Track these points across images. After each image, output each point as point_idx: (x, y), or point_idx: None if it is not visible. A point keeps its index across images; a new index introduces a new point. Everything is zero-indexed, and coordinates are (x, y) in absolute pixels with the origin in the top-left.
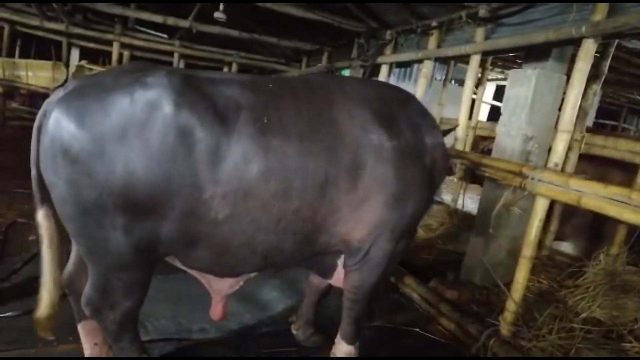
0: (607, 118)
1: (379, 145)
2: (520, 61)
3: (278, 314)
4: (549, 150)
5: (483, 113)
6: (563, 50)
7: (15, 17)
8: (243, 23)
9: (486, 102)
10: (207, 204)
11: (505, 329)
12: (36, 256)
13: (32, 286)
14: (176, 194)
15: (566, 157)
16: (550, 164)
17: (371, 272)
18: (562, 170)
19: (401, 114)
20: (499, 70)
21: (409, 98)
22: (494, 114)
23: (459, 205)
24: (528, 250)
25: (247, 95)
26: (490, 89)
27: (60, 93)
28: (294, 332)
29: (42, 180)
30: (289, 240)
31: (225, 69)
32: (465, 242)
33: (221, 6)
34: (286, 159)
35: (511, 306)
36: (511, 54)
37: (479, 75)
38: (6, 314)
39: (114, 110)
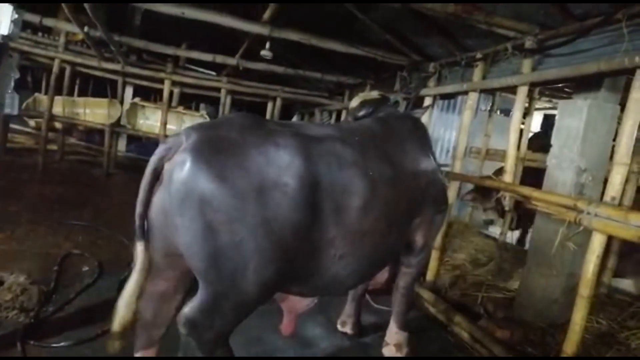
0: None
1: (426, 170)
2: (569, 90)
3: (321, 351)
4: (604, 182)
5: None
6: (616, 80)
7: (76, 59)
8: (288, 59)
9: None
10: (330, 243)
11: None
12: (89, 287)
13: (85, 317)
14: (306, 238)
15: (623, 190)
16: (607, 198)
17: (422, 265)
18: (620, 204)
19: (425, 141)
20: (547, 99)
21: (423, 126)
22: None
23: (508, 239)
24: (585, 289)
25: (349, 151)
26: (537, 118)
27: (181, 141)
28: (342, 329)
29: (144, 217)
30: (381, 262)
31: (270, 104)
32: (516, 279)
33: (267, 44)
34: (389, 202)
35: (569, 348)
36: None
37: (527, 105)
38: (60, 344)
39: (253, 167)
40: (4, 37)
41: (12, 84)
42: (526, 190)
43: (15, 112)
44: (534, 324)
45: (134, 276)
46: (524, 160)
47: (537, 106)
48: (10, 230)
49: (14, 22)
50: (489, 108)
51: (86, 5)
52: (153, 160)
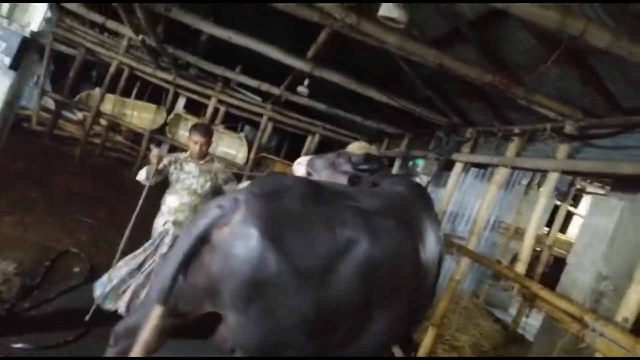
0: None
1: (442, 249)
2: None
3: None
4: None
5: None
6: None
7: (133, 63)
8: (332, 97)
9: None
10: (372, 318)
11: None
12: (72, 289)
13: (58, 320)
14: (356, 312)
15: None
16: (619, 318)
17: None
18: (634, 328)
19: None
20: (599, 185)
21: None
22: None
23: (520, 329)
24: None
25: (403, 230)
26: (587, 201)
27: (238, 207)
28: None
29: (176, 281)
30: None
31: (309, 138)
32: None
33: (305, 81)
34: (424, 283)
35: None
36: None
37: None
38: (18, 346)
39: (320, 246)
40: (32, 33)
41: (37, 78)
42: (534, 287)
43: (32, 105)
44: None
45: (143, 339)
46: (551, 248)
47: (588, 189)
48: (20, 216)
49: (46, 20)
50: (526, 183)
51: (139, 14)
52: (204, 224)
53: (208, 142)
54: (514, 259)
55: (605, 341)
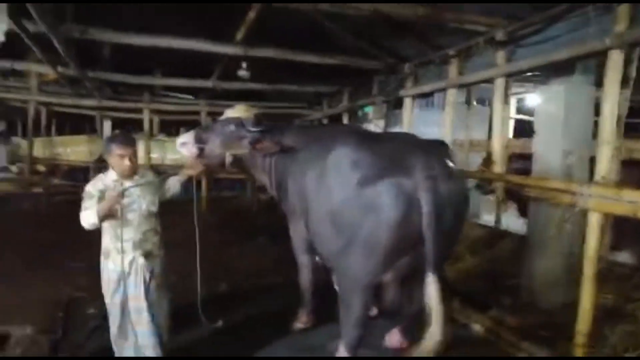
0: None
1: None
2: (538, 73)
3: None
4: (590, 161)
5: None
6: (587, 62)
7: (51, 99)
8: (264, 75)
9: (513, 118)
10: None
11: (580, 352)
12: (98, 329)
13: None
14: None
15: None
16: (598, 178)
17: None
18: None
19: None
20: (519, 84)
21: None
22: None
23: (502, 226)
24: (589, 268)
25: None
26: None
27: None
28: None
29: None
30: None
31: None
32: (516, 264)
33: (244, 64)
34: None
35: (582, 327)
36: None
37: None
38: None
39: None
40: None
41: None
42: (518, 179)
43: (3, 162)
44: (541, 307)
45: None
46: (508, 149)
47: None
48: (8, 281)
49: None
50: (463, 100)
51: (57, 44)
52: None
53: (136, 153)
54: (484, 163)
55: (595, 199)
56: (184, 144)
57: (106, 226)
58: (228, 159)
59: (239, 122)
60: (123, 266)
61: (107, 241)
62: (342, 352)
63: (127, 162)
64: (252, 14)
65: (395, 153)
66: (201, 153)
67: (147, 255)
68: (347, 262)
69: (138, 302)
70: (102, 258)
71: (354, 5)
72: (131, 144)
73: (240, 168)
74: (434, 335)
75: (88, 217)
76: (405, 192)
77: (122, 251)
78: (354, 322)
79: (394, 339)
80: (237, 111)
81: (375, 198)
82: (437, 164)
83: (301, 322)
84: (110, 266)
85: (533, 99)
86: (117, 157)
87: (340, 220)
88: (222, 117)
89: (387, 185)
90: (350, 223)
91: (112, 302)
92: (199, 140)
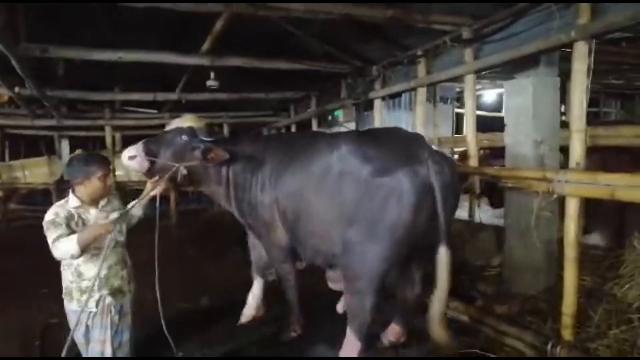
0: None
1: None
2: (498, 69)
3: None
4: (560, 150)
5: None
6: (551, 55)
7: (6, 122)
8: (230, 84)
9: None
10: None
11: (567, 334)
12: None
13: None
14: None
15: None
16: (572, 164)
17: None
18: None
19: None
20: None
21: None
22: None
23: (477, 219)
24: (571, 252)
25: None
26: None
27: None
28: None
29: None
30: None
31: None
32: (495, 255)
33: (212, 74)
34: None
35: (568, 310)
36: None
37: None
38: None
39: (416, 177)
40: None
41: None
42: (494, 171)
43: None
44: (525, 294)
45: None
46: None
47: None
48: None
49: None
50: (431, 100)
51: (14, 63)
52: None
53: (110, 173)
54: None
55: (571, 185)
56: (132, 157)
57: (66, 263)
58: (182, 172)
59: (191, 132)
60: (93, 306)
61: (68, 280)
62: (353, 339)
63: (109, 181)
64: (218, 25)
65: (399, 145)
66: (152, 167)
67: (115, 293)
68: (365, 251)
69: (103, 346)
70: (65, 300)
71: (326, 10)
72: (108, 162)
73: (192, 182)
74: (439, 299)
75: (66, 247)
76: (421, 178)
77: (83, 291)
78: (369, 308)
79: (393, 333)
80: (185, 120)
81: (396, 185)
82: (435, 152)
83: (293, 330)
84: (75, 307)
85: (489, 95)
86: (99, 178)
87: (356, 212)
88: (170, 127)
89: (407, 172)
90: (369, 212)
91: (78, 341)
92: (149, 153)
